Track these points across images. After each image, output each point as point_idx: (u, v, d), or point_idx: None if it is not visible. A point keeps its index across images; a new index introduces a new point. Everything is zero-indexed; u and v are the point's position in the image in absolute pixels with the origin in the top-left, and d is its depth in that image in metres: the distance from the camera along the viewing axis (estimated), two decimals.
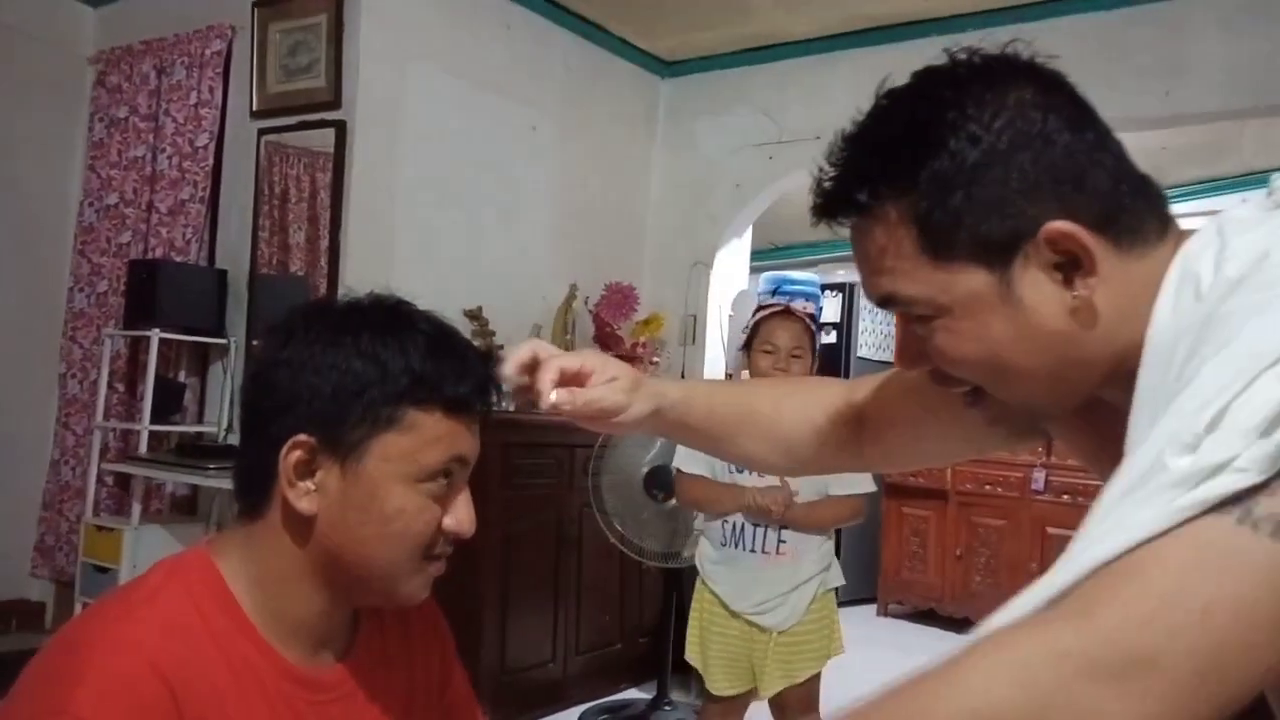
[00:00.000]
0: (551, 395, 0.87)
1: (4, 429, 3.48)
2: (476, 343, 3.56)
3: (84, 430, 3.47)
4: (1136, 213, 0.68)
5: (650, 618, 3.53)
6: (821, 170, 0.72)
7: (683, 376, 4.05)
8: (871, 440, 0.98)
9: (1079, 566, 0.54)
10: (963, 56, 0.70)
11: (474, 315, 3.43)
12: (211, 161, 3.35)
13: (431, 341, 0.82)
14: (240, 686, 0.79)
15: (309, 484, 0.80)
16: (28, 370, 3.57)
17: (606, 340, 3.82)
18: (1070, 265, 0.66)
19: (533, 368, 0.90)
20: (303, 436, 0.79)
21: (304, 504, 0.80)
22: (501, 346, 3.52)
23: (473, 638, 2.94)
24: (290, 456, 0.79)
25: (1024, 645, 0.53)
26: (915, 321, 0.72)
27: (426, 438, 0.80)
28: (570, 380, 0.90)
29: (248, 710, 0.79)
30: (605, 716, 3.19)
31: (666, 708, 3.14)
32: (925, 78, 0.71)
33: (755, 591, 2.27)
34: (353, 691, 0.88)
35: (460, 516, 0.84)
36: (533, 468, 3.16)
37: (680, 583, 3.33)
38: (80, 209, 3.65)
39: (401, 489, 0.80)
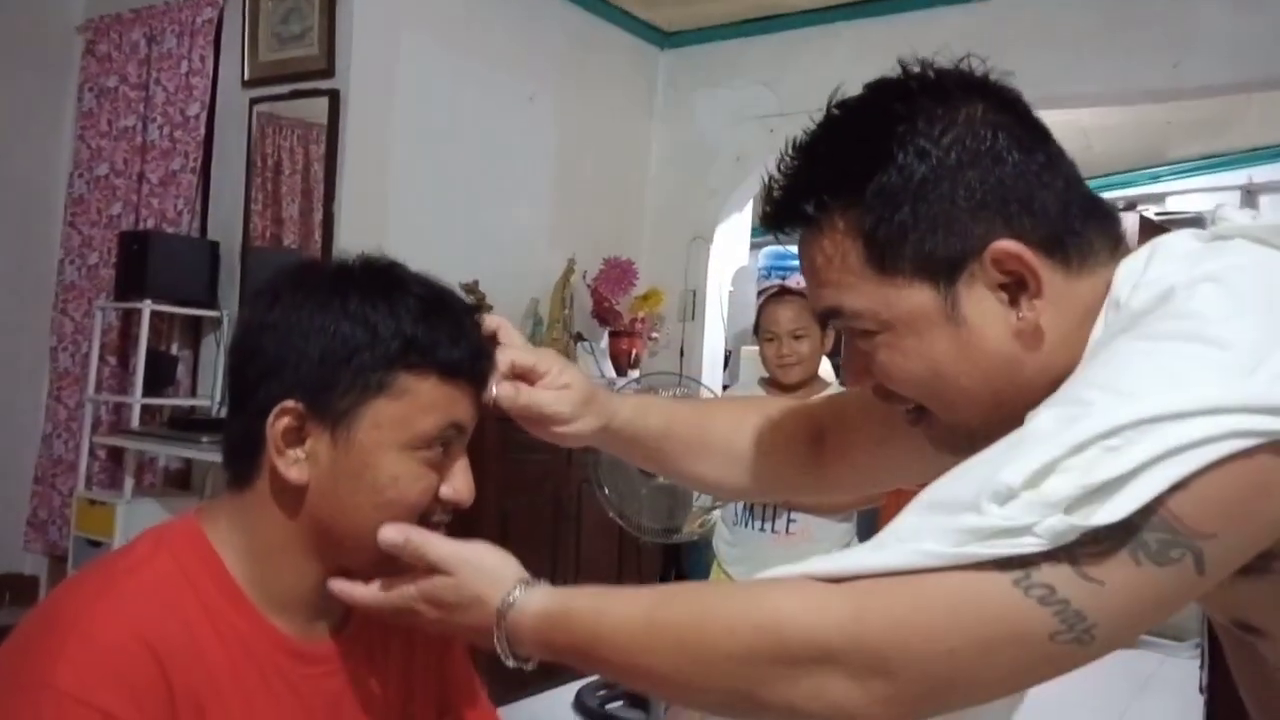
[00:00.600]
0: (494, 388, 0.84)
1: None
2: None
3: (76, 404, 3.43)
4: (1085, 235, 0.67)
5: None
6: (772, 179, 0.72)
7: (681, 353, 4.02)
8: (834, 459, 0.96)
9: (874, 563, 0.61)
10: (916, 69, 0.69)
11: (470, 289, 3.39)
12: (203, 131, 3.30)
13: (424, 304, 0.78)
14: (232, 659, 0.76)
15: (298, 452, 0.77)
16: (18, 343, 3.52)
17: (605, 315, 3.79)
18: (1016, 286, 0.66)
19: (493, 337, 0.87)
20: (290, 403, 0.76)
21: (294, 473, 0.77)
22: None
23: None
24: (278, 423, 0.76)
25: (803, 605, 0.62)
26: (859, 336, 0.70)
27: (420, 404, 0.77)
28: (520, 377, 0.87)
29: (240, 683, 0.76)
30: (602, 692, 3.17)
31: None
32: (877, 90, 0.70)
33: (766, 571, 2.24)
34: (349, 665, 0.85)
35: (458, 484, 0.81)
36: (531, 443, 3.04)
37: (679, 559, 3.32)
38: (70, 180, 3.60)
39: (395, 457, 0.77)
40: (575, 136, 3.85)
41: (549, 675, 3.21)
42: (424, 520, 0.80)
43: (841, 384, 2.93)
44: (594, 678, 3.27)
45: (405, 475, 0.78)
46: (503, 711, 3.07)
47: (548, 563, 3.18)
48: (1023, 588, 0.56)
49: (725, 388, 4.02)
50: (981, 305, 0.66)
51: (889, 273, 0.67)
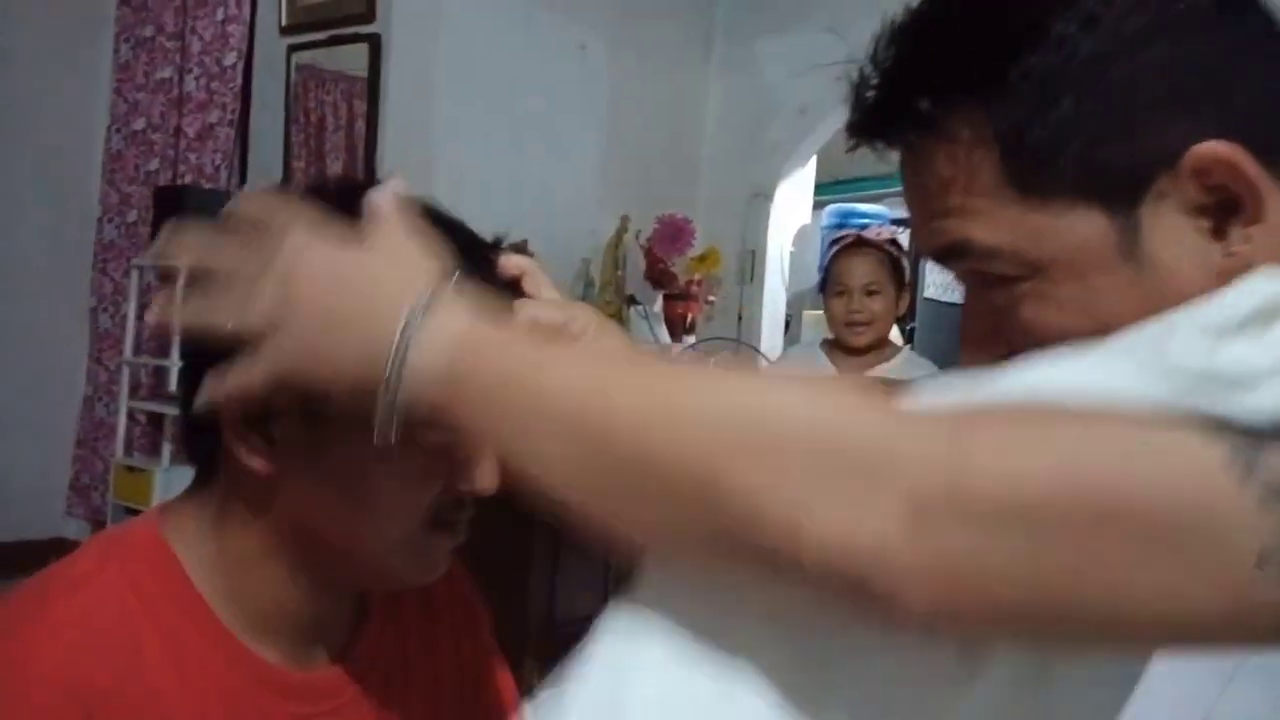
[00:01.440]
0: None
1: (36, 365, 3.37)
2: None
3: (116, 366, 3.35)
4: None
5: None
6: (863, 74, 0.52)
7: (739, 318, 3.82)
8: None
9: (990, 391, 0.42)
10: None
11: (519, 249, 3.23)
12: (240, 82, 3.17)
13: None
14: (197, 699, 0.60)
15: (263, 435, 0.61)
16: (58, 304, 3.44)
17: (659, 277, 3.59)
18: (1223, 208, 0.47)
19: (516, 284, 0.66)
20: None
21: (256, 462, 0.60)
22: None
23: (520, 589, 2.79)
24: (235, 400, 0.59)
25: (883, 414, 0.41)
26: (992, 285, 0.51)
27: None
28: (547, 336, 0.66)
29: None
30: None
31: None
32: None
33: None
34: (355, 699, 0.68)
35: (476, 471, 0.63)
36: None
37: None
38: (108, 135, 3.49)
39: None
40: (629, 87, 3.64)
41: None
42: (434, 519, 0.63)
43: (913, 350, 2.72)
44: None
45: (398, 458, 0.60)
46: None
47: (601, 540, 3.02)
48: (1237, 474, 0.37)
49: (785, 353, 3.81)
50: (1173, 236, 0.48)
51: (1039, 194, 0.48)
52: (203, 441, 0.63)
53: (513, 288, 0.65)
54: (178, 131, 3.29)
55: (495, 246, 0.66)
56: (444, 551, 0.65)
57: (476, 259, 0.62)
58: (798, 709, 0.43)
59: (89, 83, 3.49)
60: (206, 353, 0.61)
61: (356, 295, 0.48)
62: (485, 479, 0.63)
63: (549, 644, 2.84)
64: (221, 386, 0.52)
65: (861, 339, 2.27)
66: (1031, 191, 0.48)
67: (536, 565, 2.83)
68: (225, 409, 0.59)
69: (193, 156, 3.24)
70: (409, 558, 0.63)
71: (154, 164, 3.35)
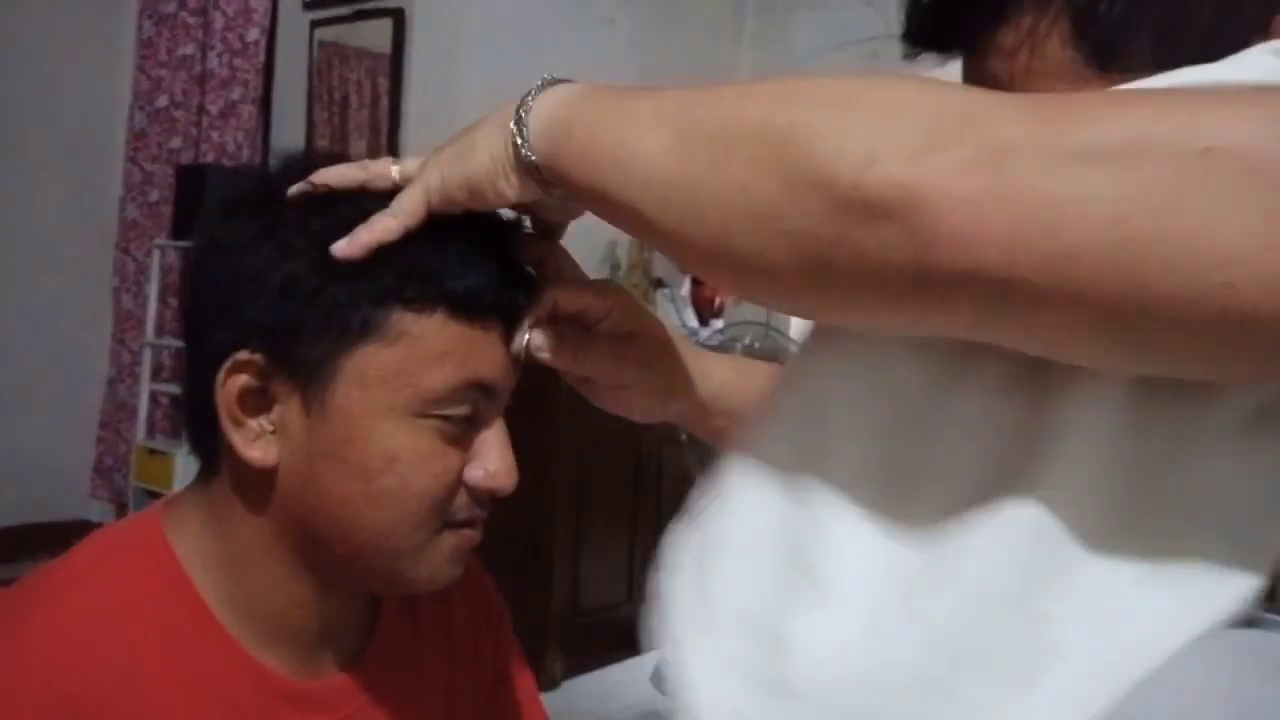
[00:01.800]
0: (526, 334, 0.58)
1: (59, 347, 3.35)
2: None
3: (139, 348, 3.32)
4: None
5: None
6: None
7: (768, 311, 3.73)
8: None
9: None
10: None
11: (545, 230, 3.17)
12: (263, 59, 3.12)
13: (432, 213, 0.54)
14: (196, 706, 0.55)
15: (262, 422, 0.55)
16: (81, 284, 3.42)
17: None
18: None
19: (539, 265, 0.61)
20: (245, 354, 0.54)
21: (255, 452, 0.55)
22: None
23: (544, 577, 2.74)
24: (230, 383, 0.54)
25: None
26: None
27: (424, 351, 0.54)
28: (573, 320, 0.61)
29: None
30: None
31: None
32: None
33: None
34: (365, 707, 0.63)
35: (492, 465, 0.58)
36: None
37: None
38: (131, 113, 3.45)
39: (392, 427, 0.54)
40: (657, 63, 3.55)
41: (626, 643, 3.03)
42: (446, 517, 0.57)
43: None
44: None
45: (408, 454, 0.55)
46: (578, 683, 2.85)
47: (626, 525, 2.97)
48: None
49: None
50: None
51: (1119, 67, 0.43)
52: (203, 431, 0.57)
53: (537, 267, 0.60)
54: (200, 109, 3.26)
55: (516, 226, 0.60)
56: (459, 553, 0.60)
57: (498, 240, 0.57)
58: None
59: (112, 60, 3.45)
60: (197, 336, 0.57)
61: (486, 117, 0.53)
62: (502, 476, 0.58)
63: (572, 632, 2.80)
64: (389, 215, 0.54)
65: None
66: (1110, 63, 0.43)
67: (560, 555, 2.78)
68: (222, 395, 0.54)
69: (215, 134, 3.20)
70: (420, 560, 0.58)
71: (176, 142, 3.32)
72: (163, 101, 3.36)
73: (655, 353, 0.63)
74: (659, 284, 3.49)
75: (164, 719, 0.54)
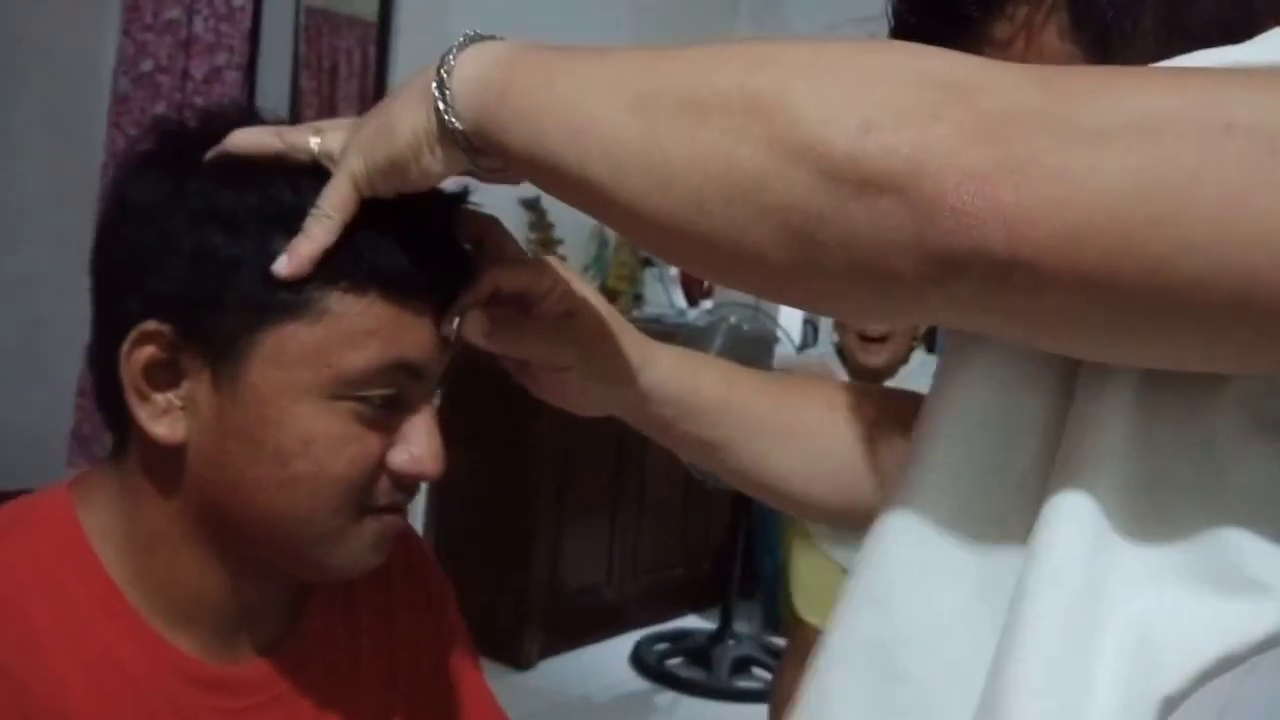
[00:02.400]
0: (469, 317, 0.54)
1: (37, 313, 3.31)
2: (529, 238, 3.28)
3: None
4: None
5: (715, 542, 3.27)
6: None
7: None
8: None
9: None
10: None
11: (531, 205, 3.13)
12: (249, 25, 3.07)
13: None
14: (99, 687, 0.52)
15: (170, 398, 0.52)
16: (61, 252, 3.35)
17: None
18: None
19: (480, 244, 0.58)
20: (152, 324, 0.51)
21: (160, 428, 0.52)
22: (561, 241, 3.22)
23: (523, 557, 2.72)
24: (136, 355, 0.51)
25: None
26: None
27: (348, 331, 0.51)
28: (509, 302, 0.57)
29: None
30: (664, 645, 2.96)
31: (731, 641, 2.89)
32: None
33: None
34: (288, 693, 0.60)
35: (418, 450, 0.55)
36: None
37: (749, 509, 3.06)
38: (115, 77, 3.39)
39: (309, 408, 0.51)
40: (653, 37, 3.50)
41: (606, 624, 3.02)
42: (364, 503, 0.54)
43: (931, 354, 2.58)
44: (656, 628, 3.06)
45: (324, 436, 0.52)
46: (557, 663, 2.85)
47: (607, 507, 2.95)
48: None
49: (806, 322, 3.70)
50: None
51: (1122, 56, 0.42)
52: (113, 405, 0.54)
53: (477, 248, 0.57)
54: (185, 75, 3.21)
55: (461, 198, 0.57)
56: (382, 539, 0.57)
57: (432, 217, 0.54)
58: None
59: (97, 23, 3.39)
60: (103, 304, 0.54)
61: (404, 87, 0.49)
62: (426, 461, 0.55)
63: (551, 613, 2.78)
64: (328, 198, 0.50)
65: (876, 358, 1.89)
66: (1109, 57, 0.42)
67: (540, 536, 2.76)
68: (126, 367, 0.51)
69: (199, 100, 3.15)
70: (340, 546, 0.55)
71: (160, 107, 3.26)
72: (147, 66, 3.30)
73: (594, 335, 0.60)
74: (647, 263, 3.46)
75: (63, 694, 0.51)
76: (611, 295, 3.34)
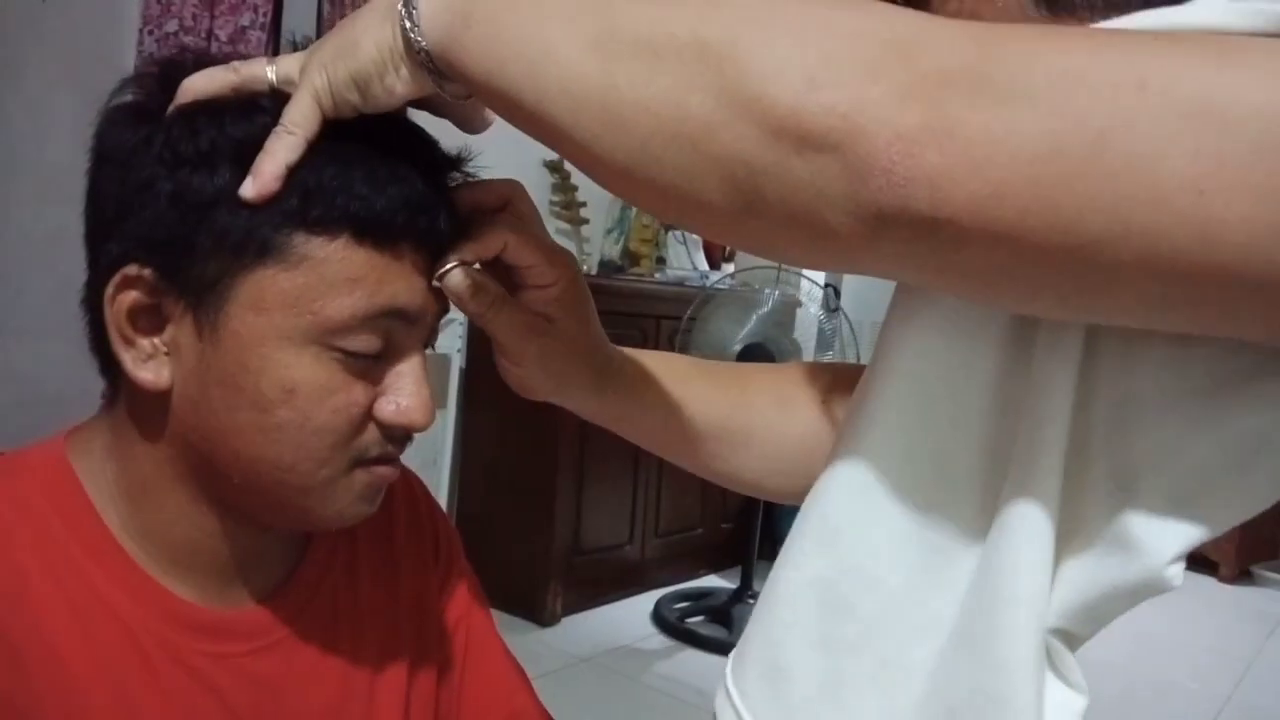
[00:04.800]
0: (449, 265, 0.54)
1: (65, 273, 3.33)
2: (551, 200, 3.27)
3: None
4: None
5: (735, 502, 3.29)
6: None
7: None
8: None
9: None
10: None
11: (555, 168, 3.12)
12: None
13: (350, 125, 0.51)
14: (89, 634, 0.52)
15: (155, 342, 0.52)
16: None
17: None
18: None
19: (502, 209, 0.57)
20: (134, 269, 0.51)
21: (145, 373, 0.52)
22: (584, 204, 3.21)
23: (547, 516, 2.75)
24: (120, 299, 0.51)
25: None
26: None
27: (329, 278, 0.50)
28: (505, 273, 0.57)
29: (106, 670, 0.52)
30: (684, 604, 2.99)
31: (750, 601, 2.92)
32: None
33: None
34: (287, 639, 0.61)
35: (405, 400, 0.54)
36: (613, 337, 2.84)
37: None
38: (140, 37, 3.39)
39: (291, 356, 0.51)
40: None
41: (627, 582, 3.05)
42: (354, 454, 0.54)
43: None
44: (677, 587, 3.10)
45: (307, 385, 0.51)
46: (580, 619, 2.88)
47: (629, 466, 2.97)
48: None
49: (827, 286, 3.69)
50: None
51: (1070, 10, 0.43)
52: (104, 351, 0.54)
53: (500, 212, 0.57)
54: (210, 34, 3.20)
55: (458, 161, 0.57)
56: (372, 491, 0.57)
57: (416, 159, 0.53)
58: None
59: None
60: (91, 249, 0.54)
61: (368, 6, 0.49)
62: (414, 412, 0.54)
63: (573, 570, 2.82)
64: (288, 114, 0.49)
65: None
66: (1060, 8, 0.43)
67: (562, 494, 2.78)
68: (111, 311, 0.51)
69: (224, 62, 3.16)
70: (328, 497, 0.55)
71: None
72: (171, 26, 3.30)
73: (562, 353, 0.59)
74: (670, 226, 3.45)
75: (54, 642, 0.51)
76: (634, 258, 3.34)
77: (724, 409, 0.65)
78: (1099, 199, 0.31)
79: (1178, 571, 0.37)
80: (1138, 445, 0.38)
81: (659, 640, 2.80)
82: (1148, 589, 0.38)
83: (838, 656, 0.43)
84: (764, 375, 0.69)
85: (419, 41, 0.45)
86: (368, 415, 0.54)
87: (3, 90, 3.11)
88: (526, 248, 0.56)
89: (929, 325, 0.42)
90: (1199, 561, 3.72)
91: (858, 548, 0.43)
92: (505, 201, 0.58)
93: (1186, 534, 0.37)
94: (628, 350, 0.65)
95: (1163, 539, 0.37)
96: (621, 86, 0.38)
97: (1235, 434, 0.37)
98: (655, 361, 0.66)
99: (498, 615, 0.76)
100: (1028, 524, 0.38)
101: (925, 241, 0.34)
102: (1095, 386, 0.39)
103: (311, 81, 0.49)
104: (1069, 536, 0.39)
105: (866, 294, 3.63)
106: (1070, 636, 0.40)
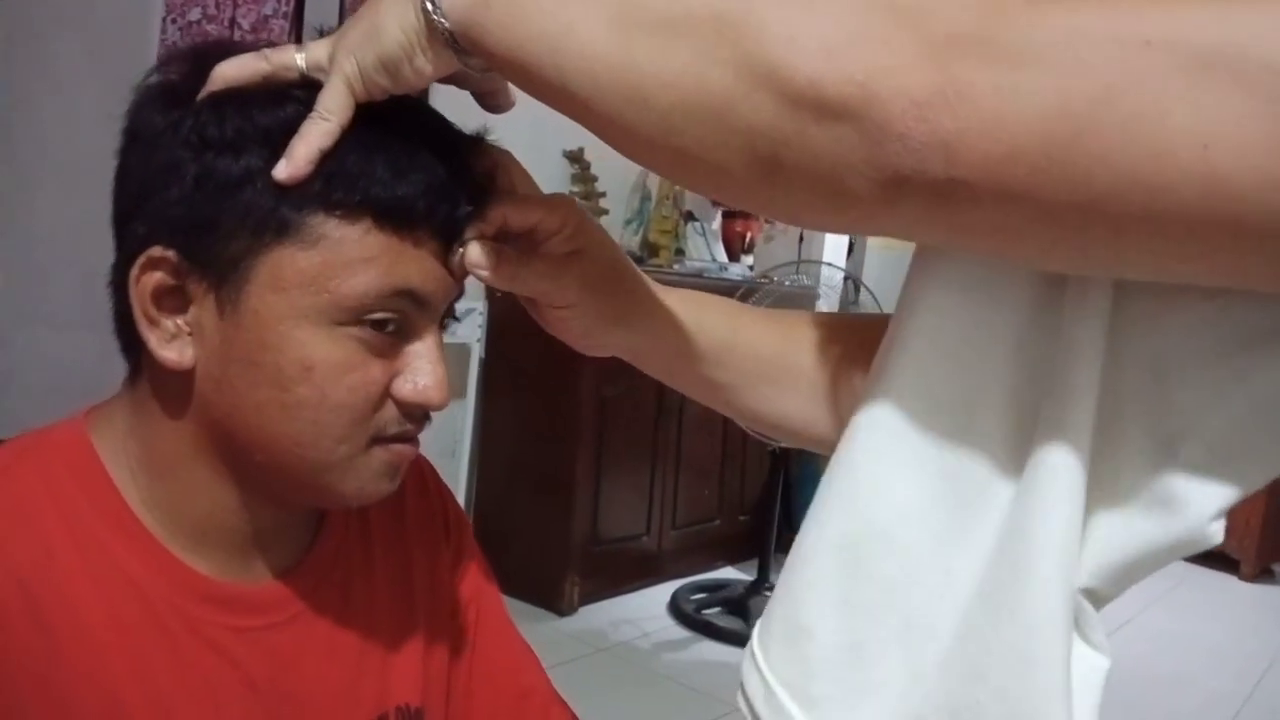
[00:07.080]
0: (471, 248, 0.55)
1: (92, 263, 3.37)
2: (571, 190, 3.27)
3: None
4: None
5: (752, 495, 3.29)
6: None
7: (800, 238, 3.65)
8: None
9: None
10: None
11: (575, 158, 3.12)
12: None
13: (365, 109, 0.52)
14: (112, 607, 0.54)
15: (179, 322, 0.54)
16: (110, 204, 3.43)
17: None
18: None
19: (491, 177, 0.58)
20: (158, 250, 0.52)
21: (169, 353, 0.53)
22: (604, 194, 3.21)
23: (565, 506, 2.76)
24: (145, 280, 0.52)
25: None
26: None
27: (345, 258, 0.52)
28: (518, 237, 0.57)
29: (127, 640, 0.54)
30: (701, 595, 2.99)
31: (767, 593, 2.92)
32: None
33: None
34: (303, 614, 0.62)
35: (422, 379, 0.55)
36: None
37: (788, 462, 3.07)
38: (163, 25, 3.42)
39: (309, 335, 0.52)
40: None
41: (645, 573, 3.06)
42: (371, 431, 0.55)
43: None
44: (694, 579, 3.10)
45: (325, 363, 0.52)
46: (596, 609, 2.89)
47: (646, 456, 2.98)
48: None
49: (847, 278, 3.68)
50: None
51: None
52: (128, 331, 0.56)
53: (490, 182, 0.57)
54: (232, 23, 3.22)
55: (477, 140, 0.58)
56: (390, 469, 0.57)
57: (439, 147, 0.54)
58: None
59: None
60: (117, 230, 0.55)
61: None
62: (431, 390, 0.55)
63: (591, 560, 2.83)
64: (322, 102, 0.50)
65: None
66: None
67: (581, 484, 2.79)
68: (136, 291, 0.52)
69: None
70: (347, 474, 0.56)
71: None
72: (195, 15, 3.32)
73: (599, 275, 0.59)
74: (690, 217, 3.44)
75: (78, 611, 0.53)
76: (653, 249, 3.33)
77: (773, 346, 0.64)
78: (1106, 156, 0.31)
79: (1219, 528, 0.38)
80: (1177, 403, 0.38)
81: (676, 631, 2.80)
82: (1187, 546, 0.38)
83: (860, 616, 0.43)
84: (807, 319, 0.68)
85: (442, 23, 0.46)
86: (385, 393, 0.55)
87: (32, 79, 3.14)
88: (525, 210, 0.57)
89: (950, 282, 0.43)
90: (1220, 559, 3.69)
91: (881, 507, 0.43)
92: (493, 169, 0.58)
93: (1226, 491, 0.38)
94: (675, 289, 0.65)
95: (1204, 496, 0.37)
96: (641, 62, 0.40)
97: (1266, 390, 0.37)
98: (701, 296, 0.66)
99: (515, 604, 0.76)
100: (1059, 482, 0.39)
101: (942, 203, 0.35)
102: (1126, 345, 0.39)
103: (342, 68, 0.50)
104: (1101, 494, 0.39)
105: (887, 284, 3.62)
106: (1096, 596, 0.40)
